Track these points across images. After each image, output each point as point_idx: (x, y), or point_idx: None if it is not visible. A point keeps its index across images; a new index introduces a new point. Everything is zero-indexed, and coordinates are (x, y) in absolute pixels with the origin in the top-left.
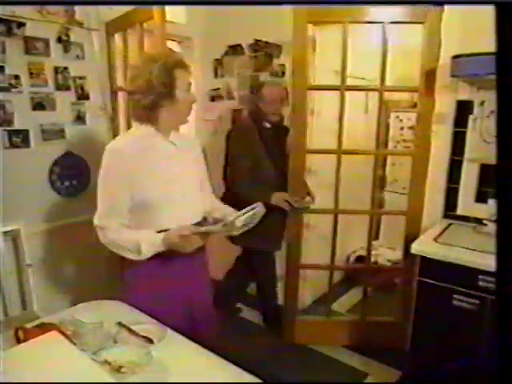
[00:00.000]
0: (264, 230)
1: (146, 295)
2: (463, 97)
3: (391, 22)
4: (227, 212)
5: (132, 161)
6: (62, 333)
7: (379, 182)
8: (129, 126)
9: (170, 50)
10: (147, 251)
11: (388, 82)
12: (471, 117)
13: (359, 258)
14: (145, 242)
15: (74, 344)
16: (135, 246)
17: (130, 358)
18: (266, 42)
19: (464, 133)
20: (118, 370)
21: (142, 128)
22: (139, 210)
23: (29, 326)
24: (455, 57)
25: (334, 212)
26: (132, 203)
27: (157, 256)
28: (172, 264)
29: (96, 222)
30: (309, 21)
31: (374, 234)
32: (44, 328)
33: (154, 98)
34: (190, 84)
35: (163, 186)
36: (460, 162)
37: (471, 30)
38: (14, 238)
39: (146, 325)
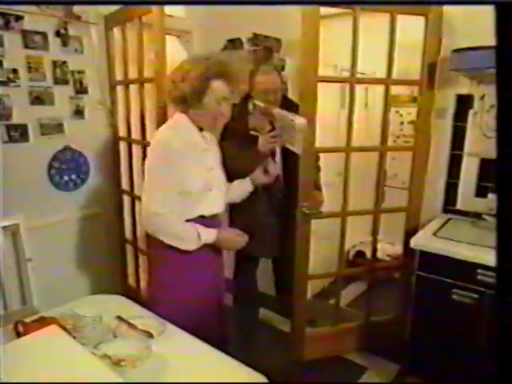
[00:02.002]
0: (259, 235)
1: (180, 282)
2: (463, 91)
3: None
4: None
5: (179, 153)
6: (62, 327)
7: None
8: (128, 120)
9: (218, 56)
10: (205, 240)
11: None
12: (471, 111)
13: (359, 253)
14: (203, 233)
15: (74, 338)
16: (194, 234)
17: (129, 351)
18: (266, 36)
19: (464, 127)
20: (117, 363)
21: (180, 117)
22: (181, 197)
23: (28, 320)
24: (456, 50)
25: (342, 215)
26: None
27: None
28: (201, 254)
29: (154, 209)
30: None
31: (373, 228)
32: (44, 322)
33: (184, 96)
34: (225, 97)
35: (203, 176)
36: (460, 157)
37: (472, 24)
38: (13, 232)
39: (146, 319)
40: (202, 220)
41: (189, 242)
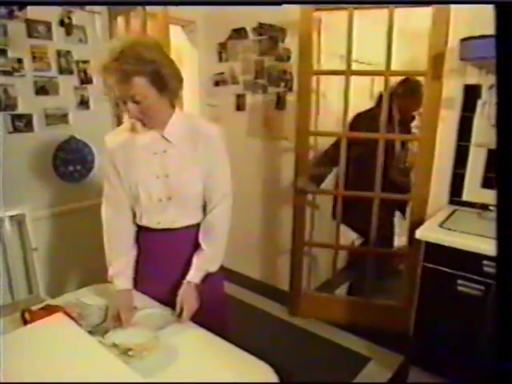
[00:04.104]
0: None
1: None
2: (471, 81)
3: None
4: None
5: (113, 154)
6: (68, 315)
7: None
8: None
9: (110, 52)
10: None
11: (395, 67)
12: (479, 101)
13: (363, 244)
14: (112, 269)
15: (80, 326)
16: (108, 260)
17: (137, 340)
18: (271, 25)
19: (471, 118)
20: (125, 352)
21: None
22: (135, 202)
23: (35, 308)
24: (464, 39)
25: (340, 194)
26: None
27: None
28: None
29: (102, 208)
30: (316, 8)
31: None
32: (50, 310)
33: None
34: (112, 89)
35: (144, 183)
36: (467, 148)
37: (480, 12)
38: (19, 222)
39: (154, 309)
40: (152, 233)
41: (107, 263)
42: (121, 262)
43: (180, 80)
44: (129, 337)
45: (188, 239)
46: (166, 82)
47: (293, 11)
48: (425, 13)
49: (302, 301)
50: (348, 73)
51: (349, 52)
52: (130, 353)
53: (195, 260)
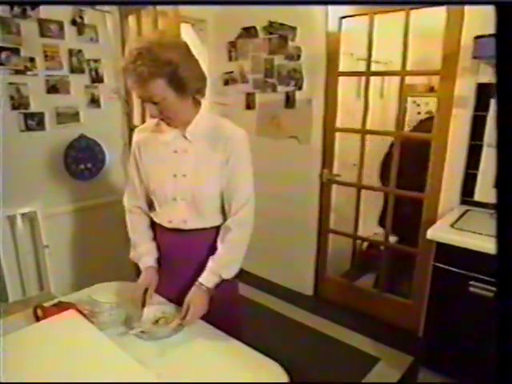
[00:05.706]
0: None
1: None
2: (484, 79)
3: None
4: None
5: (136, 147)
6: (80, 311)
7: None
8: (143, 108)
9: (129, 53)
10: (136, 258)
11: (407, 66)
12: (493, 100)
13: (372, 245)
14: (138, 250)
15: (92, 323)
16: (133, 243)
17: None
18: (281, 24)
19: (484, 117)
20: (155, 323)
21: None
22: (153, 197)
23: (47, 304)
24: (478, 37)
25: (357, 186)
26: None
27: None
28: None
29: (124, 201)
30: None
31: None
32: (62, 307)
33: None
34: (134, 92)
35: (161, 180)
36: (479, 147)
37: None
38: (30, 219)
39: (162, 306)
40: (164, 232)
41: (132, 246)
42: (146, 244)
43: (202, 80)
44: (156, 311)
45: (202, 243)
46: (184, 83)
47: (303, 10)
48: (438, 11)
49: (325, 284)
50: (368, 74)
51: (369, 55)
52: (160, 322)
53: (209, 263)
